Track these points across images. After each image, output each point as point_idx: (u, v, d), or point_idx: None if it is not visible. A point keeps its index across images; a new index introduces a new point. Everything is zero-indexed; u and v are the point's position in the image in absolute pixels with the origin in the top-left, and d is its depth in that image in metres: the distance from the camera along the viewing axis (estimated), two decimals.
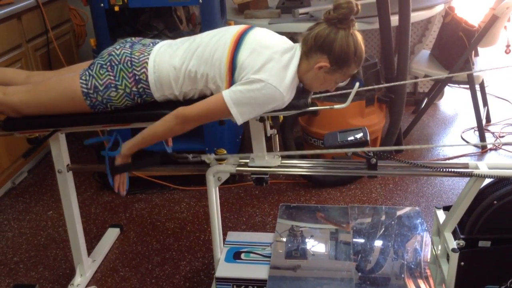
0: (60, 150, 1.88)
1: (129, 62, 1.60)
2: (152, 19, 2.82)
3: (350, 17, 1.52)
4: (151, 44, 1.68)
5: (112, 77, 1.60)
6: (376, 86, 2.48)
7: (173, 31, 2.74)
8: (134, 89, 1.61)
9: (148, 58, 1.61)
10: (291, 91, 1.58)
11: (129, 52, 1.62)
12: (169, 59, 1.61)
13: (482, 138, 3.14)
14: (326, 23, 1.55)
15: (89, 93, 1.61)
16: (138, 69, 1.60)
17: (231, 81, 1.57)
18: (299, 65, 1.59)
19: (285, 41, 1.65)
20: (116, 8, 2.42)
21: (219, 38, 1.62)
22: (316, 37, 1.55)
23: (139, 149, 1.67)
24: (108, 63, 1.61)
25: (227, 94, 1.53)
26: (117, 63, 1.60)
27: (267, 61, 1.53)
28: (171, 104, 1.65)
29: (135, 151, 1.68)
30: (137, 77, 1.60)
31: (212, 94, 1.62)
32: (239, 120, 1.56)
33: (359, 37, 1.56)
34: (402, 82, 2.68)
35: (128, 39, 1.72)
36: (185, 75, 1.60)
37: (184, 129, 1.60)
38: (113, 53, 1.62)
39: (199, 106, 1.57)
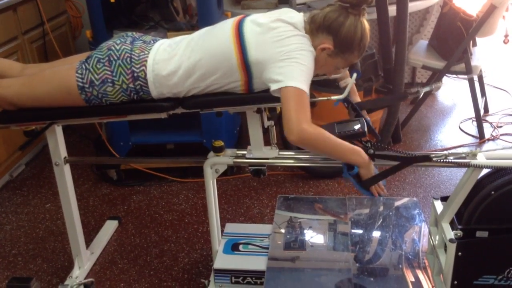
0: (57, 143, 1.87)
1: (128, 59, 1.58)
2: (148, 10, 2.80)
3: (363, 4, 1.52)
4: (152, 42, 1.66)
5: (109, 72, 1.58)
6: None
7: (169, 22, 2.73)
8: (131, 85, 1.59)
9: (148, 57, 1.59)
10: (311, 46, 1.56)
11: (130, 49, 1.60)
12: (168, 58, 1.59)
13: (480, 128, 3.14)
14: (338, 5, 1.55)
15: (85, 87, 1.59)
16: (137, 66, 1.58)
17: (248, 74, 1.56)
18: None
19: (282, 14, 1.61)
20: (112, 0, 2.40)
21: (216, 35, 1.60)
22: (326, 17, 1.55)
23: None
24: (107, 58, 1.59)
25: (293, 83, 1.47)
26: (116, 58, 1.59)
27: (278, 35, 1.52)
28: (167, 99, 1.64)
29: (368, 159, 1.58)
30: (135, 74, 1.58)
31: (218, 87, 1.61)
32: (307, 91, 1.51)
33: (367, 26, 1.56)
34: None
35: (129, 34, 1.70)
36: (184, 74, 1.58)
37: (314, 127, 1.49)
38: (113, 48, 1.60)
39: (291, 113, 1.46)
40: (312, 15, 1.59)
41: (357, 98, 1.83)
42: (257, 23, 1.57)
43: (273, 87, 1.51)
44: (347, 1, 1.52)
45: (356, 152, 1.55)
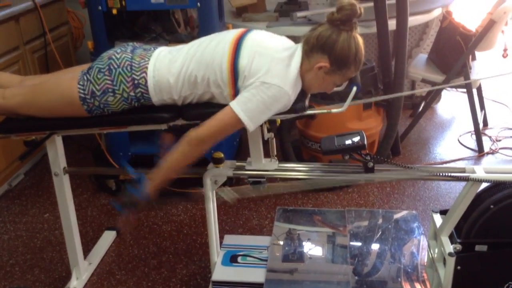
0: (56, 153, 1.88)
1: (129, 67, 1.60)
2: (150, 22, 2.82)
3: (353, 19, 1.54)
4: (152, 49, 1.68)
5: (109, 82, 1.59)
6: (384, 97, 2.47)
7: (171, 34, 2.74)
8: (131, 93, 1.60)
9: (148, 63, 1.61)
10: (295, 89, 1.59)
11: (130, 57, 1.61)
12: (168, 64, 1.61)
13: (479, 142, 3.15)
14: (328, 24, 1.56)
15: (86, 98, 1.60)
16: (137, 73, 1.59)
17: (235, 86, 1.57)
18: (300, 65, 1.59)
19: (284, 41, 1.66)
20: (114, 11, 2.42)
21: (218, 42, 1.62)
22: (319, 37, 1.56)
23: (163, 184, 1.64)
24: (107, 67, 1.60)
25: (235, 105, 1.53)
26: (116, 67, 1.60)
27: (268, 63, 1.54)
28: (168, 107, 1.65)
29: (160, 187, 1.64)
30: (136, 82, 1.59)
31: (213, 97, 1.62)
32: (251, 127, 1.56)
33: (360, 40, 1.57)
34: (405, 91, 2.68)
35: (130, 43, 1.71)
36: (184, 80, 1.59)
37: (201, 151, 1.58)
38: (113, 57, 1.62)
39: (210, 124, 1.55)
40: (306, 37, 1.61)
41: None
42: (260, 41, 1.60)
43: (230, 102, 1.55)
44: (336, 19, 1.54)
45: (160, 183, 1.63)
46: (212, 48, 1.60)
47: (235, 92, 1.58)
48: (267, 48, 1.58)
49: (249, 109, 1.53)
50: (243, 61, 1.55)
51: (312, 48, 1.57)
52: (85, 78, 1.61)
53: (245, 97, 1.53)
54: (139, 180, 1.62)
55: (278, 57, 1.56)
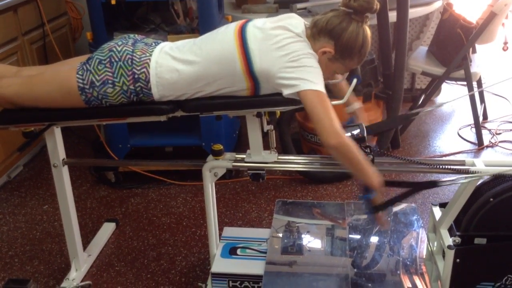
0: (55, 144, 1.87)
1: (129, 60, 1.58)
2: (149, 13, 2.80)
3: (366, 12, 1.53)
4: (154, 44, 1.66)
5: (110, 74, 1.58)
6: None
7: (170, 25, 2.73)
8: (131, 87, 1.59)
9: (149, 59, 1.59)
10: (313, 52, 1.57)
11: (131, 50, 1.60)
12: (172, 61, 1.59)
13: (479, 135, 3.14)
14: (341, 11, 1.55)
15: (85, 88, 1.59)
16: (138, 68, 1.58)
17: (253, 81, 1.56)
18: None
19: (286, 21, 1.61)
20: (113, 2, 2.40)
21: (220, 39, 1.60)
22: (329, 22, 1.55)
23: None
24: (108, 59, 1.59)
25: (309, 86, 1.48)
26: (117, 59, 1.58)
27: (280, 42, 1.52)
28: (168, 101, 1.63)
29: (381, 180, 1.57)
30: (136, 76, 1.58)
31: (222, 92, 1.61)
32: (324, 90, 1.51)
33: (368, 33, 1.57)
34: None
35: (131, 35, 1.70)
36: (188, 79, 1.58)
37: (344, 137, 1.49)
38: (114, 49, 1.60)
39: (320, 118, 1.48)
40: (315, 19, 1.59)
41: (355, 104, 1.83)
42: (259, 28, 1.58)
43: (287, 91, 1.52)
44: (351, 6, 1.53)
45: (376, 176, 1.55)
46: (215, 46, 1.58)
47: (254, 84, 1.57)
48: (270, 29, 1.55)
49: (317, 80, 1.49)
50: (257, 65, 1.53)
51: (320, 31, 1.56)
52: (85, 68, 1.60)
53: (302, 75, 1.49)
54: (367, 199, 1.61)
55: (284, 34, 1.54)
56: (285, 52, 1.51)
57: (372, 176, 1.54)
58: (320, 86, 1.50)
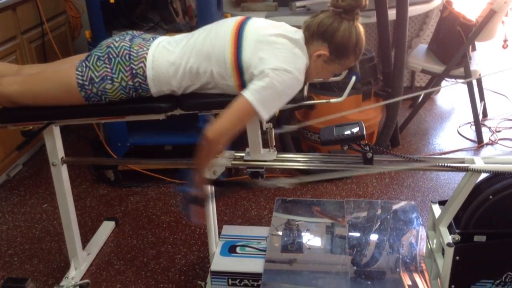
0: (54, 143, 1.87)
1: (127, 56, 1.58)
2: (148, 11, 2.80)
3: (356, 9, 1.52)
4: (151, 39, 1.66)
5: (109, 70, 1.58)
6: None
7: (169, 24, 2.72)
8: (130, 83, 1.59)
9: (146, 53, 1.59)
10: (303, 72, 1.56)
11: (128, 46, 1.60)
12: (168, 55, 1.59)
13: (479, 132, 3.14)
14: (331, 11, 1.54)
15: (85, 84, 1.59)
16: (135, 63, 1.58)
17: (241, 78, 1.56)
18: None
19: (287, 28, 1.62)
20: (112, 0, 2.40)
21: (217, 32, 1.60)
22: (319, 24, 1.54)
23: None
24: (106, 55, 1.59)
25: (248, 94, 1.49)
26: (115, 55, 1.59)
27: (274, 50, 1.51)
28: (166, 97, 1.63)
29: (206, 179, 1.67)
30: (134, 71, 1.58)
31: (217, 87, 1.61)
32: (265, 116, 1.52)
33: (361, 30, 1.56)
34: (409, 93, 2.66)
35: (129, 32, 1.70)
36: (185, 72, 1.58)
37: (223, 144, 1.56)
38: (112, 45, 1.60)
39: (226, 117, 1.51)
40: (307, 23, 1.58)
41: None
42: (261, 28, 1.58)
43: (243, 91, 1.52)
44: (340, 6, 1.51)
45: (204, 175, 1.66)
46: (212, 39, 1.59)
47: (241, 83, 1.56)
48: (270, 35, 1.55)
49: (262, 97, 1.49)
50: (247, 54, 1.53)
51: (313, 35, 1.56)
52: (84, 64, 1.60)
53: (257, 85, 1.49)
54: (186, 177, 1.65)
55: (282, 42, 1.53)
56: (271, 62, 1.50)
57: (201, 172, 1.62)
58: (257, 104, 1.48)
